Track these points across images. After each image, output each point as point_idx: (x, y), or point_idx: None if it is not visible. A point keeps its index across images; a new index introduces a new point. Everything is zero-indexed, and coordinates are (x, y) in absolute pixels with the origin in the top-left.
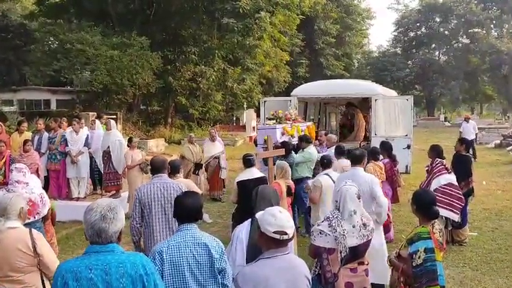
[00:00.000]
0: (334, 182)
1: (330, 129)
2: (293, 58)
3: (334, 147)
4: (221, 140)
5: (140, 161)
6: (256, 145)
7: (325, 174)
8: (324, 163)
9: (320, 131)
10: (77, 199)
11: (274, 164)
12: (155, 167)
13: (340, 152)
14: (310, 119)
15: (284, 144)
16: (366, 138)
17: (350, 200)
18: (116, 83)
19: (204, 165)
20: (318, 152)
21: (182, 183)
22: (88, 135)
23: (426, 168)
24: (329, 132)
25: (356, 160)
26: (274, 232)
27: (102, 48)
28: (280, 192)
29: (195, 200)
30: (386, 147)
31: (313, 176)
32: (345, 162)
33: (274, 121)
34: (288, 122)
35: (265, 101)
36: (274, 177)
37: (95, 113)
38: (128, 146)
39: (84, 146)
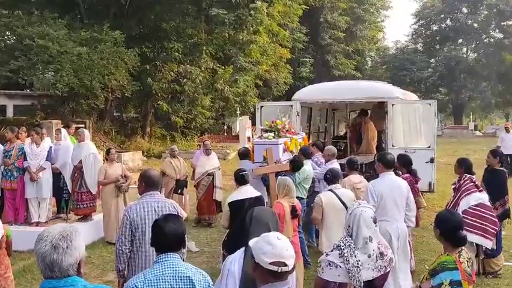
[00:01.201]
0: (341, 200)
1: (339, 140)
2: (295, 56)
3: (333, 161)
4: (215, 154)
5: (116, 178)
6: (241, 158)
7: (329, 190)
8: (328, 178)
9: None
10: (37, 224)
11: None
12: (150, 182)
13: (352, 166)
14: (316, 128)
15: (295, 160)
16: (382, 150)
17: (365, 224)
18: (85, 86)
19: (194, 183)
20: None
21: None
22: (50, 147)
23: (453, 186)
24: (327, 143)
25: (388, 165)
26: (271, 263)
27: (68, 45)
28: (282, 214)
29: (177, 225)
30: (405, 161)
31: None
32: (357, 178)
33: (273, 134)
34: (288, 135)
35: (261, 107)
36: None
37: (60, 121)
38: (105, 158)
39: (46, 160)
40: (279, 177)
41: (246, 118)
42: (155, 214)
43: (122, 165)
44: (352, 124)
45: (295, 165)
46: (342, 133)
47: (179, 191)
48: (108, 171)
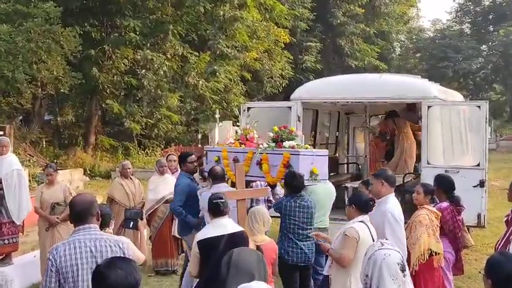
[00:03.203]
0: (372, 237)
1: (356, 153)
2: (296, 39)
3: None
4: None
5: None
6: (214, 181)
7: (360, 221)
8: (363, 204)
9: None
10: None
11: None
12: (76, 212)
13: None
14: (324, 138)
15: (290, 177)
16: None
17: (389, 274)
18: (5, 78)
19: (146, 215)
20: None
21: None
22: None
23: (506, 218)
24: (339, 159)
25: (394, 183)
26: None
27: None
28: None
29: (128, 271)
30: (445, 185)
31: None
32: None
33: (297, 143)
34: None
35: (249, 108)
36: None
37: None
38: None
39: None
40: (255, 207)
41: (229, 124)
42: (92, 257)
43: (66, 186)
44: (378, 133)
45: (293, 184)
46: (359, 145)
47: (131, 225)
48: (44, 195)
